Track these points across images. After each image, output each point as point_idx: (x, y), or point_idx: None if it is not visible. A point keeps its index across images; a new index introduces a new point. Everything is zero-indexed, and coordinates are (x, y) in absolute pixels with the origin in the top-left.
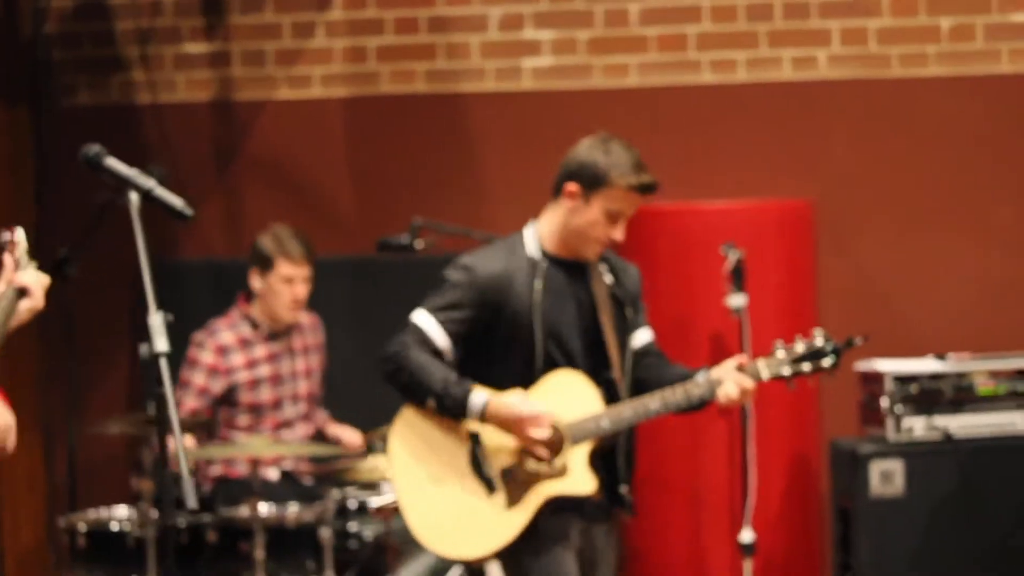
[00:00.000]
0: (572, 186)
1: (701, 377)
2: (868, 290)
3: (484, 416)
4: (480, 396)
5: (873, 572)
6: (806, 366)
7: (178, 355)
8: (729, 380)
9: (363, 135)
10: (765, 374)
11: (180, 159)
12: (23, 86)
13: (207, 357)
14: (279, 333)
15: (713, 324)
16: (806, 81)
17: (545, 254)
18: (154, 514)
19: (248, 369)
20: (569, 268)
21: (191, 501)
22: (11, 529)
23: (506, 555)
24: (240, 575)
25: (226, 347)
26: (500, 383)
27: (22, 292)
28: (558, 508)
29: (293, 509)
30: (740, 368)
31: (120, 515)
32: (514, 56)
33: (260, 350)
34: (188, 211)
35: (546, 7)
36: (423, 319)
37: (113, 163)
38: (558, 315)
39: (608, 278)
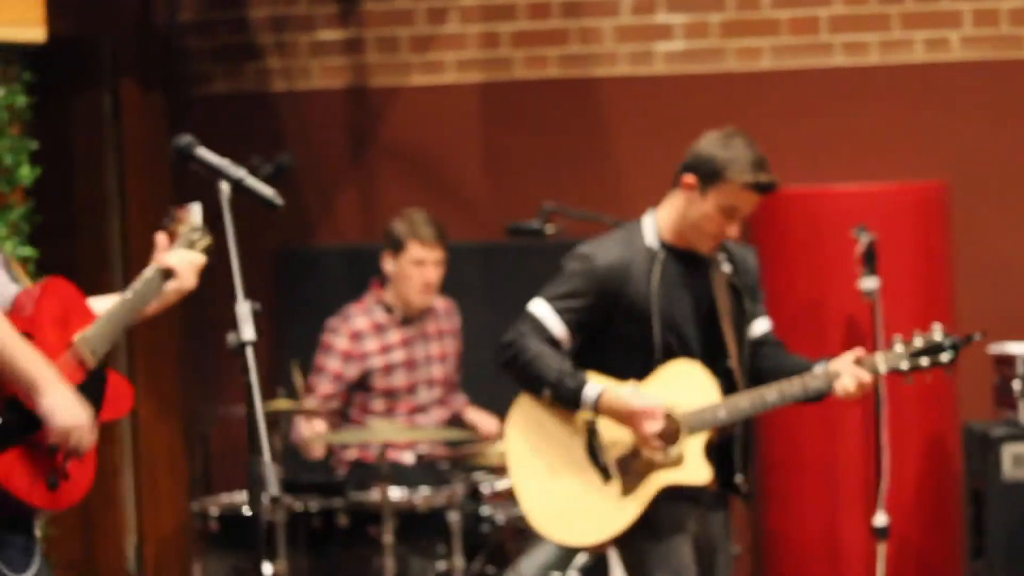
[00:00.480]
0: (690, 178)
1: (819, 369)
2: (1003, 272)
3: (598, 408)
4: (594, 388)
5: (1005, 555)
6: (924, 361)
7: (315, 341)
8: (847, 373)
9: (496, 120)
10: (882, 368)
11: (315, 146)
12: (159, 74)
13: (341, 343)
14: (413, 318)
15: (846, 307)
16: (938, 63)
17: (663, 244)
18: (285, 498)
19: (382, 354)
20: (687, 258)
21: (273, 487)
22: (151, 514)
23: (623, 542)
24: (371, 559)
25: (360, 332)
26: (618, 372)
27: (167, 273)
28: (674, 496)
29: (423, 493)
30: (858, 362)
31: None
32: (647, 40)
33: (394, 335)
34: (278, 201)
35: None
36: (540, 308)
37: (204, 153)
38: (676, 305)
39: (726, 267)
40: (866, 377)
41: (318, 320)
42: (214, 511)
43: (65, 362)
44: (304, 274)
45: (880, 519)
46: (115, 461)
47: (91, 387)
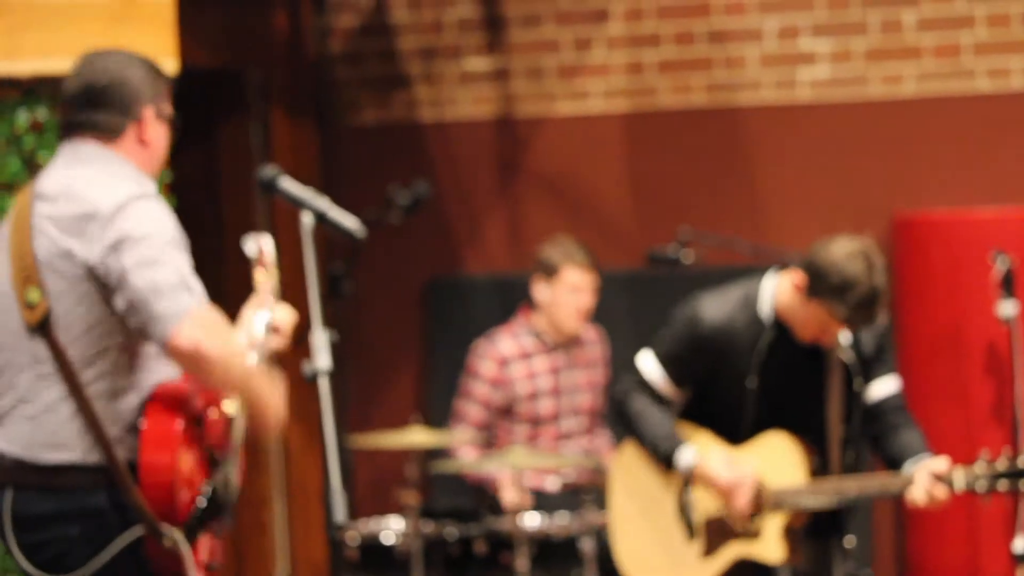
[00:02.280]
0: (801, 278)
1: (906, 469)
2: None
3: (689, 476)
4: (687, 456)
5: None
6: (1003, 484)
7: (459, 369)
8: (920, 485)
9: (641, 149)
10: (959, 485)
11: (462, 175)
12: (309, 104)
13: (489, 369)
14: (562, 345)
15: (985, 333)
16: None
17: (775, 319)
18: (423, 526)
19: (528, 380)
20: (803, 347)
21: (340, 515)
22: (302, 540)
23: None
24: None
25: (507, 358)
26: (710, 426)
27: (272, 329)
28: (751, 570)
29: (558, 521)
30: (937, 476)
31: (392, 526)
32: (791, 66)
33: (541, 362)
34: (360, 232)
35: (822, 17)
36: (647, 364)
37: (288, 185)
38: (777, 382)
39: (844, 339)
40: (941, 494)
41: (467, 349)
42: (354, 538)
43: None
44: (453, 303)
45: (1020, 544)
46: (265, 490)
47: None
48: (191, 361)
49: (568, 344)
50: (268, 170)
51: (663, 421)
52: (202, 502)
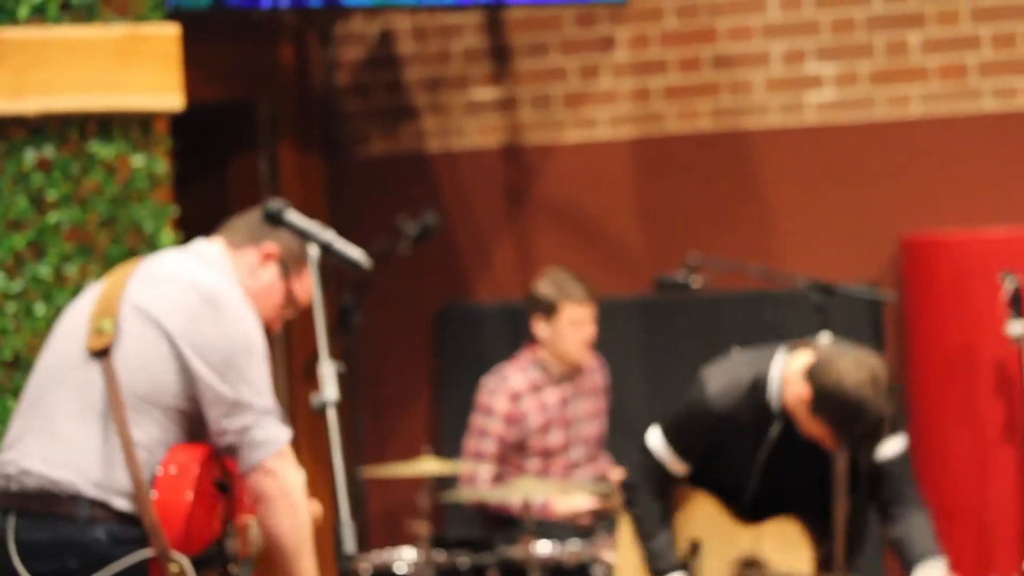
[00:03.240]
0: (805, 391)
1: (919, 571)
2: None
3: None
4: None
5: None
6: None
7: (471, 398)
8: None
9: (649, 175)
10: None
11: (471, 205)
12: (316, 136)
13: (502, 405)
14: (568, 376)
15: (995, 352)
16: None
17: (784, 411)
18: (435, 555)
19: (540, 413)
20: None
21: (349, 546)
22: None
23: None
24: None
25: (519, 393)
26: (716, 493)
27: None
28: None
29: (569, 547)
30: None
31: (404, 556)
32: (797, 91)
33: (551, 394)
34: (366, 263)
35: (827, 41)
36: (657, 443)
37: (294, 217)
38: (781, 471)
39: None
40: None
41: (478, 377)
42: (366, 568)
43: (243, 535)
44: (463, 332)
45: None
46: None
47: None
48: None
49: (573, 374)
50: (274, 203)
51: (661, 533)
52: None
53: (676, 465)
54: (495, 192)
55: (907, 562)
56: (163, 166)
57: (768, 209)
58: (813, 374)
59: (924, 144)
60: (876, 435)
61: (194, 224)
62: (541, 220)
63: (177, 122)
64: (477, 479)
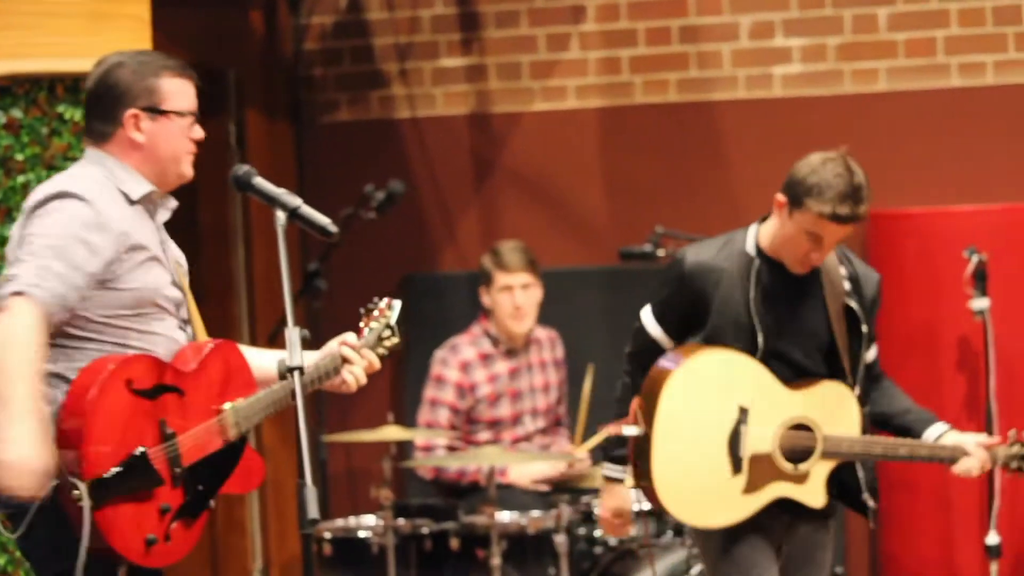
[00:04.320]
0: (781, 198)
1: (949, 439)
2: None
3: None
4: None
5: None
6: None
7: (426, 367)
8: (976, 458)
9: (616, 145)
10: (999, 462)
11: (438, 172)
12: (285, 102)
13: (453, 375)
14: (518, 349)
15: (959, 327)
16: None
17: (761, 252)
18: (397, 522)
19: (489, 384)
20: (787, 271)
21: (312, 511)
22: (277, 539)
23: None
24: None
25: (469, 363)
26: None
27: (345, 360)
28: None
29: (532, 516)
30: (988, 448)
31: (366, 523)
32: (765, 64)
33: (501, 366)
34: (333, 229)
35: (796, 14)
36: (647, 317)
37: (261, 183)
38: (778, 318)
39: (846, 285)
40: (989, 466)
41: (431, 344)
42: (327, 535)
43: (208, 427)
44: (428, 299)
45: (993, 538)
46: None
47: (225, 457)
48: None
49: (524, 348)
50: (242, 168)
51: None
52: (121, 466)
53: (660, 335)
54: (462, 160)
55: (903, 429)
56: None
57: (733, 180)
58: (785, 181)
59: (891, 118)
60: (857, 198)
61: None
62: (507, 189)
63: None
64: (433, 448)
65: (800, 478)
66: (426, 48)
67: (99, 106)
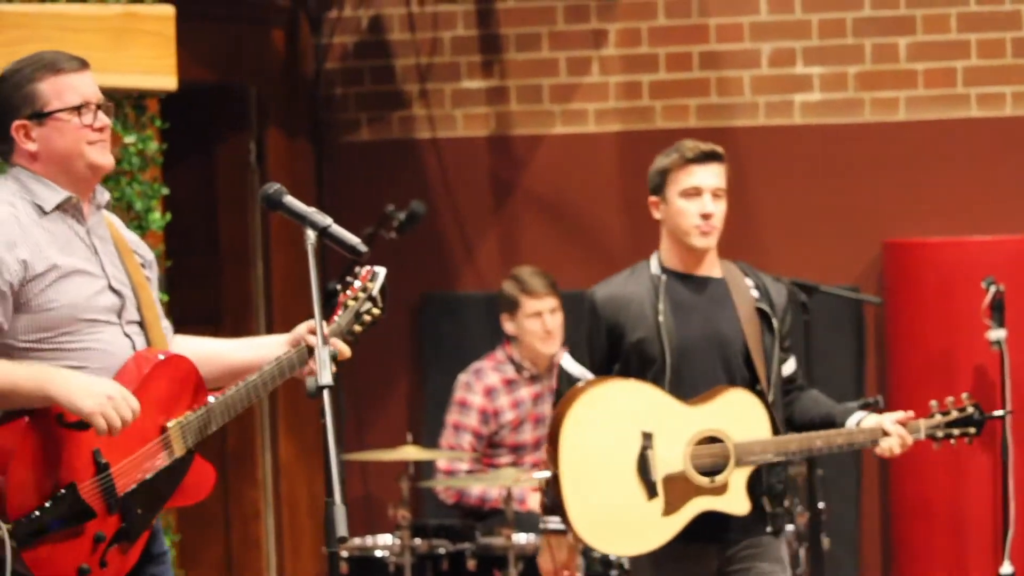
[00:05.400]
0: (651, 201)
1: (867, 422)
2: None
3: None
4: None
5: None
6: (955, 431)
7: (452, 387)
8: (895, 436)
9: (636, 169)
10: (922, 435)
11: (458, 193)
12: (305, 121)
13: (477, 400)
14: (541, 375)
15: (976, 357)
16: None
17: (665, 269)
18: (414, 542)
19: (513, 410)
20: (696, 281)
21: (342, 529)
22: (291, 555)
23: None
24: None
25: (493, 388)
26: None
27: (309, 353)
28: (700, 529)
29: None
30: (903, 424)
31: (383, 543)
32: (785, 91)
33: (524, 391)
34: (363, 248)
35: (816, 43)
36: (567, 362)
37: (291, 201)
38: (688, 329)
39: (753, 293)
40: (910, 441)
41: (459, 366)
42: (344, 553)
43: (148, 450)
44: (446, 320)
45: (1007, 567)
46: (256, 504)
47: (170, 474)
48: None
49: (546, 372)
50: (272, 186)
51: None
52: (45, 506)
53: (589, 377)
54: (481, 181)
55: (827, 424)
56: (154, 146)
57: (752, 207)
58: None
59: (909, 148)
60: (703, 144)
61: (182, 205)
62: (526, 211)
63: (167, 102)
64: (455, 472)
65: (719, 490)
66: (447, 69)
67: None
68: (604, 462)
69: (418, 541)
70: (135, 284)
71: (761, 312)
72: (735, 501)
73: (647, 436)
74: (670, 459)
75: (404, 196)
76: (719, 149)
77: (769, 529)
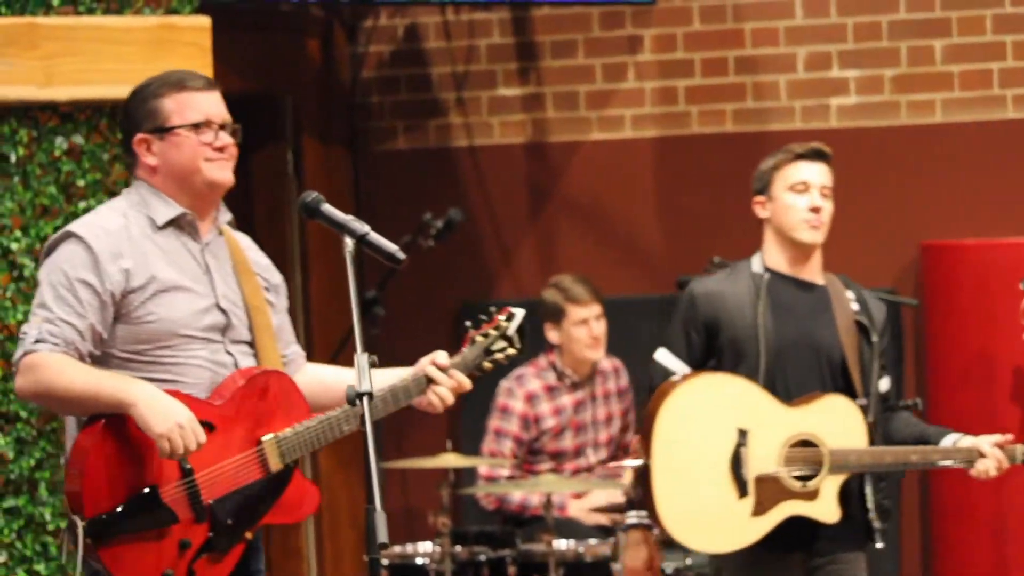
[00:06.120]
0: (758, 199)
1: (963, 443)
2: None
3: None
4: None
5: None
6: None
7: (490, 394)
8: (992, 458)
9: (673, 175)
10: (1018, 459)
11: (495, 201)
12: (342, 130)
13: (518, 406)
14: (583, 381)
15: (1014, 358)
16: None
17: (768, 269)
18: (455, 549)
19: (554, 417)
20: (801, 285)
21: (382, 535)
22: (332, 563)
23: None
24: None
25: (535, 395)
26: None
27: (430, 381)
28: (786, 535)
29: (589, 543)
30: (1000, 447)
31: (423, 550)
32: (821, 95)
33: (566, 398)
34: (401, 256)
35: (852, 46)
36: (662, 355)
37: (329, 209)
38: (786, 330)
39: (854, 306)
40: (1006, 464)
41: (499, 373)
42: (385, 561)
43: (240, 461)
44: None
45: None
46: None
47: (264, 489)
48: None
49: (589, 380)
50: (311, 195)
51: None
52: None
53: (683, 371)
54: (519, 189)
55: (921, 439)
56: None
57: None
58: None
59: (946, 150)
60: (811, 143)
61: None
62: (564, 218)
63: None
64: (496, 478)
65: (810, 495)
66: (483, 77)
67: (122, 140)
68: (697, 456)
69: (458, 548)
70: (250, 306)
71: (860, 325)
72: (825, 508)
73: (743, 433)
74: (763, 459)
75: (441, 204)
76: (828, 149)
77: (881, 545)
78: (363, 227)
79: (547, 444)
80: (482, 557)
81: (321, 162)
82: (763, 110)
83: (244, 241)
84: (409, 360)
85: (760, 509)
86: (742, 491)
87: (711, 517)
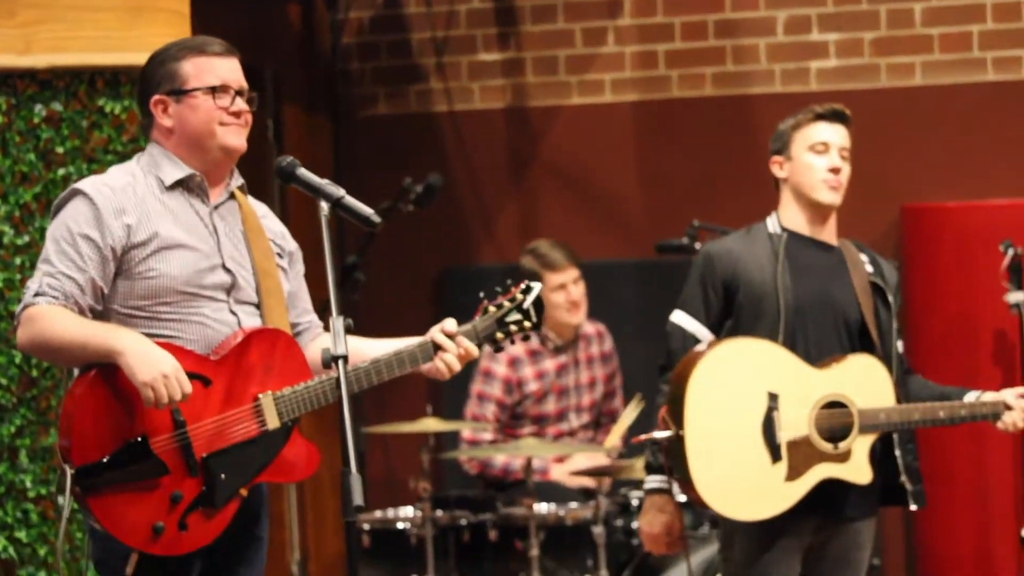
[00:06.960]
0: (775, 160)
1: (987, 397)
2: None
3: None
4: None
5: None
6: None
7: (472, 362)
8: (1018, 409)
9: (653, 139)
10: None
11: (476, 166)
12: (323, 96)
13: (501, 369)
14: (566, 346)
15: (995, 320)
16: None
17: (785, 229)
18: (435, 513)
19: (537, 380)
20: (818, 246)
21: (358, 498)
22: (315, 531)
23: (731, 524)
24: (518, 573)
25: (517, 358)
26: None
27: (437, 348)
28: (807, 503)
29: (570, 507)
30: None
31: (404, 515)
32: (801, 58)
33: (548, 363)
34: (376, 219)
35: (831, 9)
36: (678, 317)
37: (304, 173)
38: (805, 290)
39: (868, 268)
40: None
41: None
42: (366, 526)
43: (234, 416)
44: (465, 292)
45: None
46: None
47: (259, 446)
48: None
49: (572, 344)
50: (286, 159)
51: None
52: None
53: (702, 332)
54: (499, 154)
55: (944, 398)
56: None
57: (769, 174)
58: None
59: (926, 113)
60: (831, 105)
61: None
62: (544, 182)
63: None
64: (479, 442)
65: (842, 457)
66: (463, 42)
67: (139, 100)
68: (730, 424)
69: (439, 513)
70: (259, 269)
71: (875, 287)
72: (857, 470)
73: (773, 397)
74: (795, 422)
75: (422, 170)
76: (847, 111)
77: (915, 507)
78: (338, 191)
79: (529, 408)
80: (463, 521)
81: (302, 129)
82: (743, 74)
83: (260, 209)
84: (389, 324)
85: (794, 473)
86: (775, 456)
87: (747, 484)
